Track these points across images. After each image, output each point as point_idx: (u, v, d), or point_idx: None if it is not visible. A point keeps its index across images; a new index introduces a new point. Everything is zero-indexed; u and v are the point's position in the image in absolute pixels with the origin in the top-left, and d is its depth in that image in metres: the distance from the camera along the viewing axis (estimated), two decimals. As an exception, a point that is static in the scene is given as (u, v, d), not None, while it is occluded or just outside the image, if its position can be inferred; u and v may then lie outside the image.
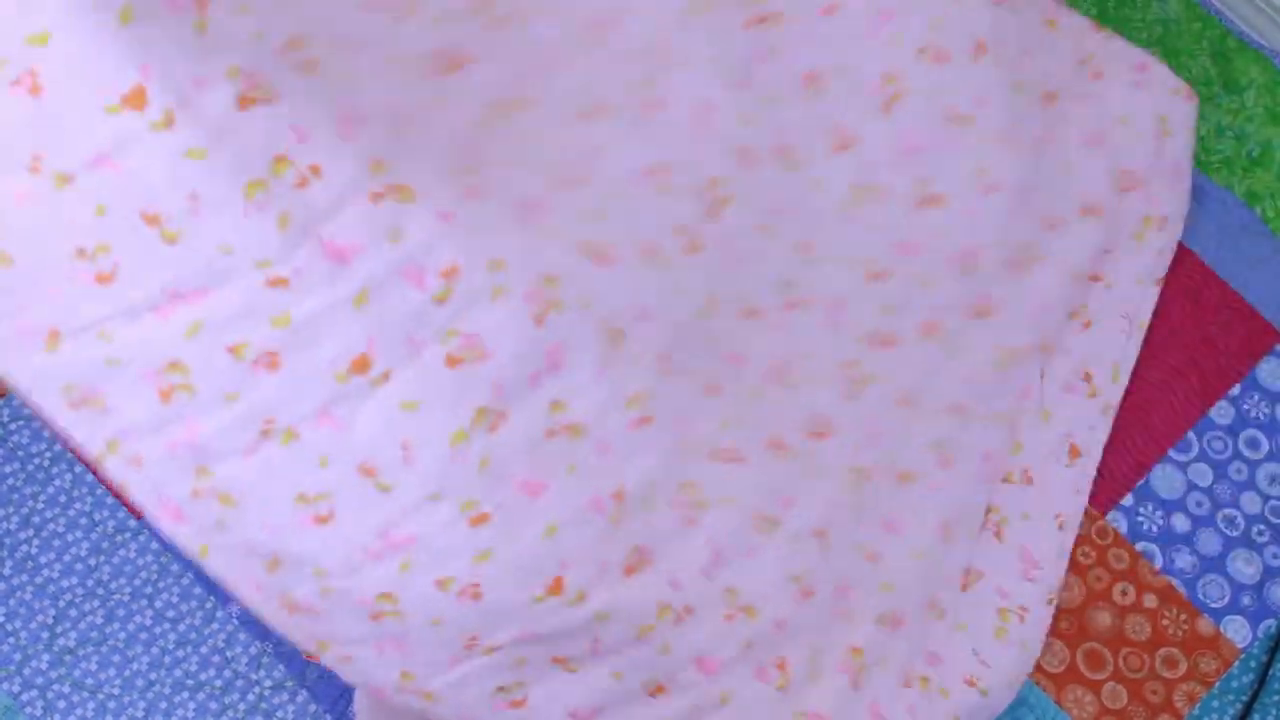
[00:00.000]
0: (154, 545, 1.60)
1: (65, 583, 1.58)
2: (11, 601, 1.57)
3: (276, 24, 1.28)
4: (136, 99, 1.18)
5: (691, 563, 1.43)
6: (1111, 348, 1.74)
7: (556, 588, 1.33)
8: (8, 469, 1.61)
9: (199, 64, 1.21)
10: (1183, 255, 1.85)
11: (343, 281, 1.27)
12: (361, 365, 1.29)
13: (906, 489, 1.63)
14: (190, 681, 1.56)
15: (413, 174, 1.31)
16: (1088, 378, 1.73)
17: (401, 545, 1.31)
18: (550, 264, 1.38)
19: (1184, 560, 1.71)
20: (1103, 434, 1.72)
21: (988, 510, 1.67)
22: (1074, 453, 1.71)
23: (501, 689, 1.39)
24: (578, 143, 1.45)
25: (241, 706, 1.55)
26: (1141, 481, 1.74)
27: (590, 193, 1.45)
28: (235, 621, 1.58)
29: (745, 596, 1.45)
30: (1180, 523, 1.73)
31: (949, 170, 1.63)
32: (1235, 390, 1.79)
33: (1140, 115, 1.81)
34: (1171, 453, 1.76)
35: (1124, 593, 1.69)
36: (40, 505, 1.60)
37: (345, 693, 1.54)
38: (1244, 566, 1.71)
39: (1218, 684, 1.66)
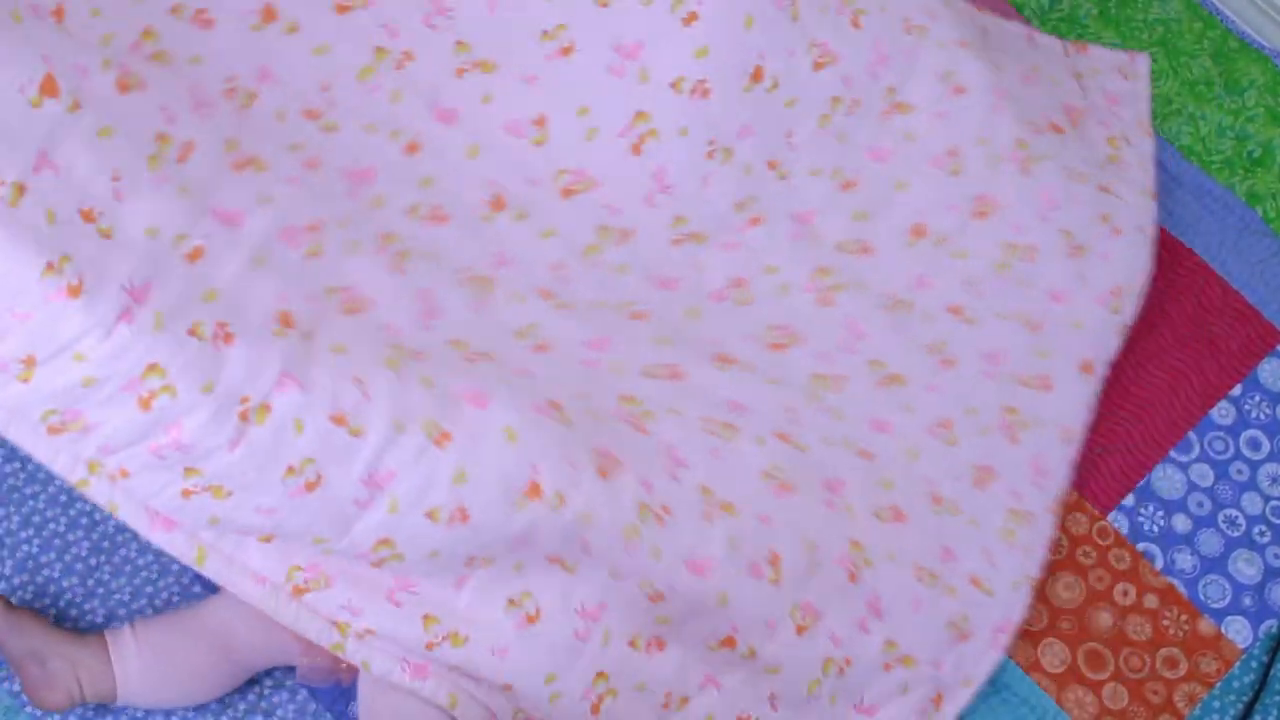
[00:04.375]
0: (154, 545, 1.60)
1: (65, 583, 1.58)
2: (12, 600, 1.57)
3: (124, 26, 1.39)
4: (49, 86, 1.23)
5: (654, 465, 1.43)
6: (1133, 262, 1.75)
7: (534, 491, 1.33)
8: (8, 469, 1.61)
9: (77, 56, 1.29)
10: (1183, 255, 1.85)
11: (239, 245, 1.35)
12: (286, 320, 1.34)
13: (893, 390, 1.64)
14: (190, 681, 1.56)
15: (256, 148, 1.44)
16: (1116, 293, 1.73)
17: (385, 485, 1.30)
18: (386, 224, 1.51)
19: (1185, 561, 1.71)
20: (1112, 352, 1.73)
21: (1008, 410, 1.66)
22: (1086, 368, 1.70)
23: (512, 602, 1.39)
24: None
25: (241, 706, 1.54)
26: (1142, 482, 1.74)
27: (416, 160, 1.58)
28: (235, 621, 1.58)
29: (720, 494, 1.45)
30: (1181, 523, 1.73)
31: (916, 75, 1.70)
32: (1236, 390, 1.79)
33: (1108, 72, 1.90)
34: (1172, 453, 1.76)
35: (1125, 593, 1.69)
36: (40, 505, 1.60)
37: (345, 692, 1.54)
38: (1245, 567, 1.71)
39: (1219, 684, 1.66)
